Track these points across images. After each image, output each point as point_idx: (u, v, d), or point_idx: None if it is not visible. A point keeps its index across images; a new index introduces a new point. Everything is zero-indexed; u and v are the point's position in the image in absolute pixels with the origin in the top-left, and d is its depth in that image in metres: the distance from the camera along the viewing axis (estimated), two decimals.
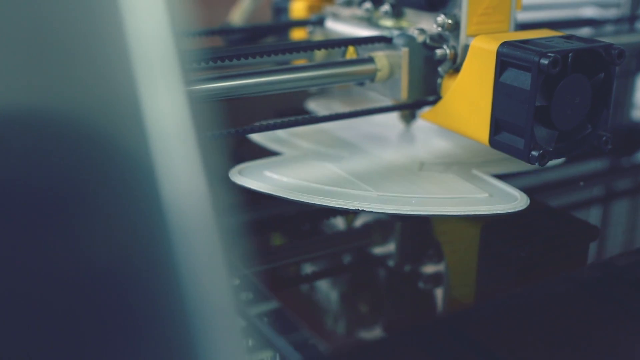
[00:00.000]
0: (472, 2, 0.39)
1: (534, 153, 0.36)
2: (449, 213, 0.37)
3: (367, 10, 0.45)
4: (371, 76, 0.41)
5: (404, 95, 0.41)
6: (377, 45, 0.42)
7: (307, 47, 0.40)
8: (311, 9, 0.52)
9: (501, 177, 0.41)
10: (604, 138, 0.38)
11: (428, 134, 0.49)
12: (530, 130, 0.35)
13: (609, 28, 0.60)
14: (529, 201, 0.38)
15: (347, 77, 0.41)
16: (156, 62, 0.13)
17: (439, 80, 0.41)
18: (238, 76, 0.38)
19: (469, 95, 0.39)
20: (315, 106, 0.54)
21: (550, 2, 0.63)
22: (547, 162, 0.36)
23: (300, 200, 0.38)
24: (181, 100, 0.13)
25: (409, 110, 0.47)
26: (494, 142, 0.38)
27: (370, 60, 0.41)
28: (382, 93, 0.43)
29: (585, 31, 0.60)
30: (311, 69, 0.39)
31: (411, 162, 0.43)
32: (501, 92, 0.36)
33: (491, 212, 0.37)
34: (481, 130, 0.38)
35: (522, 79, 0.35)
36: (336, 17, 0.49)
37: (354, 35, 0.45)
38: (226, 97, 0.37)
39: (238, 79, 0.38)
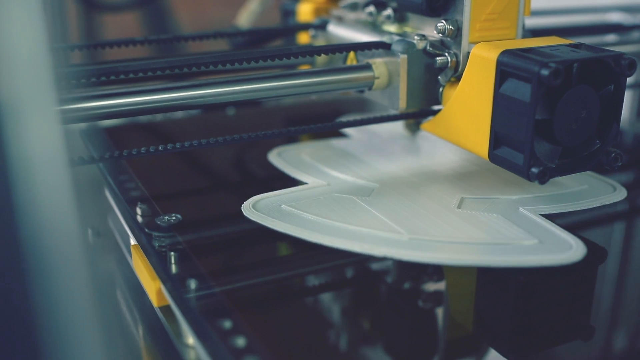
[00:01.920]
0: (474, 7, 0.37)
1: (534, 170, 0.33)
2: (490, 264, 0.32)
3: (371, 14, 0.43)
4: (369, 84, 0.39)
5: (402, 104, 0.39)
6: (377, 51, 0.40)
7: (290, 54, 0.38)
8: (317, 11, 0.50)
9: (553, 217, 0.36)
10: (613, 154, 0.35)
11: (466, 163, 0.43)
12: (530, 146, 0.33)
13: (636, 34, 0.57)
14: (585, 250, 0.33)
15: (342, 84, 0.39)
16: (27, 81, 0.11)
17: (440, 89, 0.39)
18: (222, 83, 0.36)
19: (469, 106, 0.36)
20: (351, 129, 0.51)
21: (576, 7, 0.60)
22: (548, 179, 0.33)
23: (321, 242, 0.33)
24: (53, 122, 0.11)
25: (414, 119, 0.44)
26: (493, 156, 0.35)
27: (368, 67, 0.39)
28: (380, 101, 0.41)
29: (611, 37, 0.57)
30: (303, 76, 0.38)
31: (449, 197, 0.38)
32: (501, 103, 0.34)
33: (540, 264, 0.32)
34: (481, 143, 0.36)
35: (522, 91, 0.33)
36: (341, 20, 0.47)
37: (355, 41, 0.43)
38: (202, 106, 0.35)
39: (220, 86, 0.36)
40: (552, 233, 0.34)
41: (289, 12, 0.53)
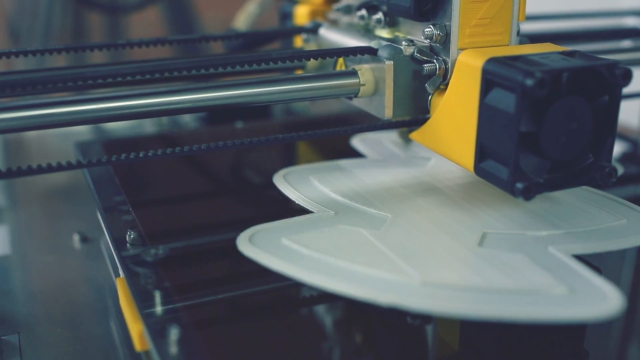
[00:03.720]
0: (464, 11, 0.35)
1: (519, 185, 0.31)
2: (512, 316, 0.28)
3: (362, 18, 0.42)
4: (354, 91, 0.38)
5: (388, 112, 0.37)
6: (365, 57, 0.38)
7: (269, 59, 0.36)
8: (314, 14, 0.49)
9: (587, 259, 0.32)
10: (607, 170, 0.33)
11: (491, 189, 0.38)
12: (515, 159, 0.31)
13: None
14: (624, 302, 0.28)
15: (326, 91, 0.37)
16: None
17: (429, 97, 0.37)
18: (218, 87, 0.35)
19: (455, 116, 0.35)
20: (358, 144, 0.49)
21: (590, 11, 0.57)
22: (534, 195, 0.31)
23: (321, 286, 0.30)
24: None
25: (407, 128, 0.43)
26: (478, 170, 0.33)
27: (354, 73, 0.37)
28: (368, 109, 0.39)
29: (626, 43, 0.54)
30: (285, 82, 0.36)
31: (470, 232, 0.34)
32: (486, 114, 0.32)
33: (570, 318, 0.28)
34: (467, 155, 0.34)
35: (506, 101, 0.31)
36: (334, 24, 0.45)
37: (345, 45, 0.42)
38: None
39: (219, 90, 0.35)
40: (585, 280, 0.30)
41: (286, 15, 0.52)
